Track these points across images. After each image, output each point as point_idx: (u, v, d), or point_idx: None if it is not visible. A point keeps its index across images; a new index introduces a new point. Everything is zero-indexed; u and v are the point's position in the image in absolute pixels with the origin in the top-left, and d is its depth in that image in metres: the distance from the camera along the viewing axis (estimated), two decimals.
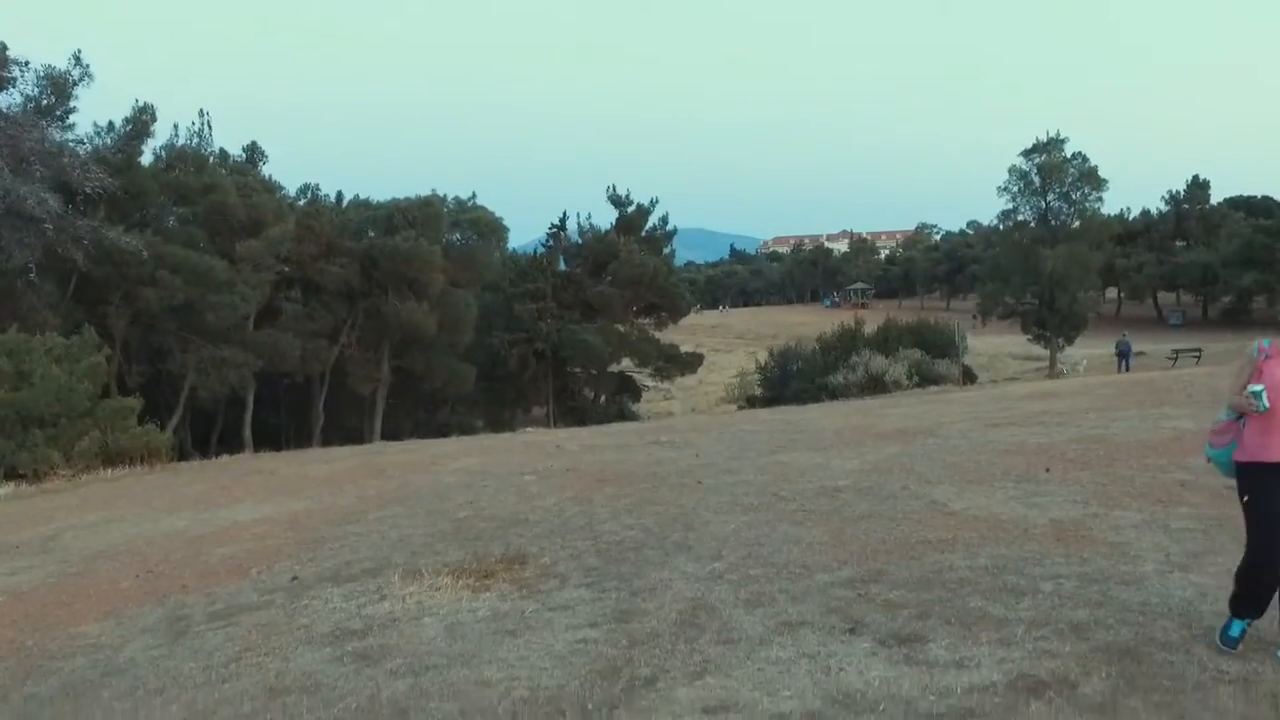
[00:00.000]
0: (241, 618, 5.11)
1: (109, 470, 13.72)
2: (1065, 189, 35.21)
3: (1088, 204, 34.28)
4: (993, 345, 45.06)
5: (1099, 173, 35.59)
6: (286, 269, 24.16)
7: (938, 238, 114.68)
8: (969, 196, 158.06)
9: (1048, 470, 7.09)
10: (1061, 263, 33.98)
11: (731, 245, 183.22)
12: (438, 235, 27.79)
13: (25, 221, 16.57)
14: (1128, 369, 27.95)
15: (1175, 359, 31.44)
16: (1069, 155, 35.26)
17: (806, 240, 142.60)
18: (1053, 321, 35.74)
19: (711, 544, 5.66)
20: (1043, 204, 37.08)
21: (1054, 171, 35.20)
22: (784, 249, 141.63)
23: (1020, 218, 36.98)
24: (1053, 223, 35.14)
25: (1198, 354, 32.19)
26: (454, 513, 7.42)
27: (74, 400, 14.88)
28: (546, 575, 5.32)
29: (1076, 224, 37.32)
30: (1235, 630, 3.50)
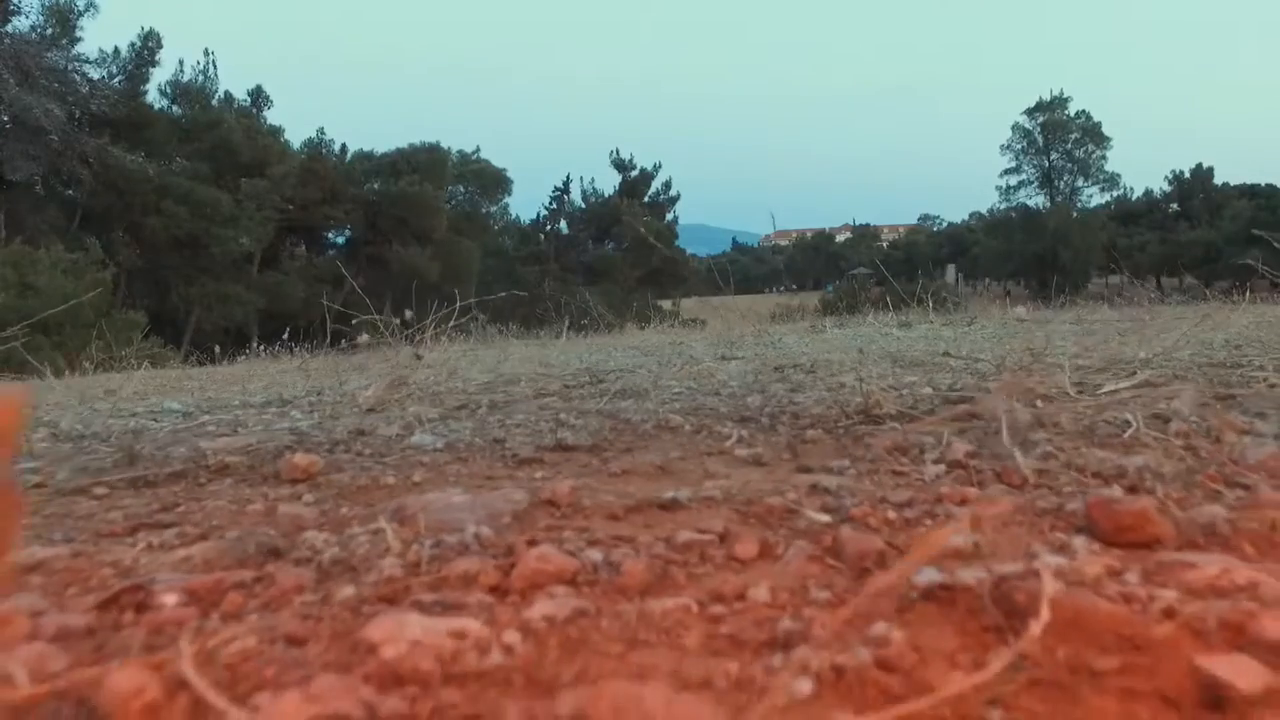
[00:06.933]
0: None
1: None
2: (1069, 146, 35.04)
3: (1091, 161, 33.97)
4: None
5: (1102, 129, 35.23)
6: (290, 208, 24.23)
7: (939, 230, 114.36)
8: (971, 192, 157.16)
9: None
10: (1063, 220, 33.71)
11: (734, 239, 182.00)
12: (442, 181, 27.86)
13: (31, 133, 16.60)
14: None
15: None
16: (1072, 114, 35.11)
17: (809, 234, 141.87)
18: (1055, 280, 35.20)
19: None
20: (1045, 162, 36.58)
21: (1057, 129, 35.00)
22: (786, 243, 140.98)
23: (1022, 176, 36.70)
24: (1056, 183, 34.83)
25: None
26: None
27: (79, 311, 14.95)
28: None
29: (1075, 214, 37.52)
30: None
